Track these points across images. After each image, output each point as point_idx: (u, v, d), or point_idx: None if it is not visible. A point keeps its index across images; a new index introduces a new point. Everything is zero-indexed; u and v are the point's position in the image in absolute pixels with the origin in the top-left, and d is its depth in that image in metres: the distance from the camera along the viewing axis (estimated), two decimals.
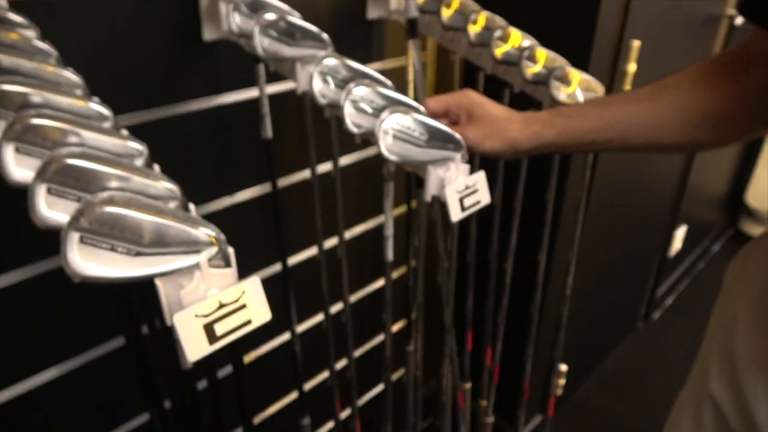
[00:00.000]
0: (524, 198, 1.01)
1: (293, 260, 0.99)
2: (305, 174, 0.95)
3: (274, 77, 0.82)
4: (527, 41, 0.81)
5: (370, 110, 0.57)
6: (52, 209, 0.38)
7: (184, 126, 0.79)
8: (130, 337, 0.57)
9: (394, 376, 1.32)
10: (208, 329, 0.38)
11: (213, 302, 0.39)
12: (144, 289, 0.40)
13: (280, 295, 0.90)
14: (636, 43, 1.14)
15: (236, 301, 0.40)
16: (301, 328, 1.07)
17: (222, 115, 0.82)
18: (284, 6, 0.70)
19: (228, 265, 0.40)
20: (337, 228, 0.85)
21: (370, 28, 1.00)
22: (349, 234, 1.09)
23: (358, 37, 0.99)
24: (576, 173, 1.16)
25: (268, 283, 0.42)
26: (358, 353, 1.23)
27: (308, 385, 1.15)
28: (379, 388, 1.31)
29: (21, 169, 0.39)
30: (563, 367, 1.56)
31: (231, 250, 0.40)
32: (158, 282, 0.38)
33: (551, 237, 1.10)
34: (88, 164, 0.38)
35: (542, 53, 0.79)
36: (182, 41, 0.75)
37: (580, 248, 1.08)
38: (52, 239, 0.37)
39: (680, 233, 2.00)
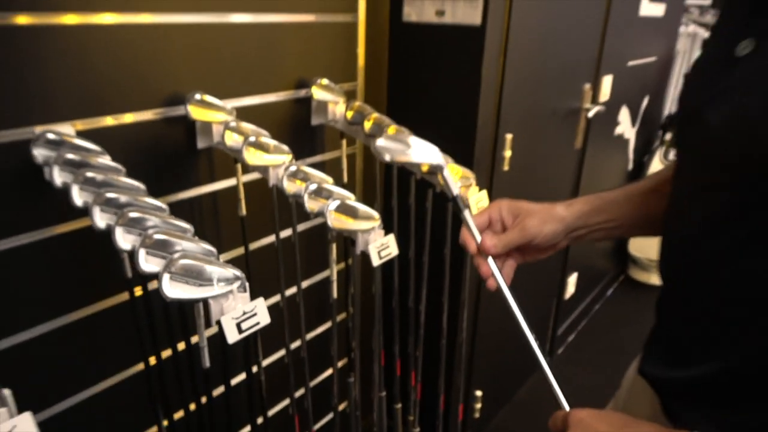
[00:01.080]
0: (430, 253, 1.36)
1: None
2: (271, 239, 1.27)
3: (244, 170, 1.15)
4: None
5: (320, 198, 0.91)
6: (148, 263, 0.69)
7: (185, 207, 1.10)
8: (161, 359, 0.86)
9: (342, 405, 1.60)
10: (238, 326, 0.70)
11: (239, 311, 0.70)
12: (186, 308, 0.71)
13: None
14: (509, 136, 1.56)
15: (252, 311, 0.71)
16: (266, 362, 1.35)
17: (216, 197, 1.15)
18: (256, 128, 1.04)
19: (245, 290, 0.72)
20: (296, 279, 1.17)
21: (314, 132, 1.36)
22: (305, 283, 1.40)
23: (306, 138, 1.35)
24: None
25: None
26: (313, 383, 1.51)
27: (271, 411, 1.41)
28: (330, 415, 1.59)
29: (148, 265, 0.70)
30: (478, 393, 1.89)
31: (246, 282, 0.72)
32: (210, 300, 0.69)
33: (452, 284, 1.45)
34: (168, 238, 0.70)
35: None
36: (185, 148, 1.08)
37: (487, 294, 1.44)
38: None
39: (572, 279, 2.43)
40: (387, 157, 0.61)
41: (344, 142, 1.36)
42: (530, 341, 0.65)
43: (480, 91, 1.40)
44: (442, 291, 1.40)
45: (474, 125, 1.43)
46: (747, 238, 0.49)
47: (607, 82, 2.11)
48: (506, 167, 1.59)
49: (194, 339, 0.84)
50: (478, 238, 0.68)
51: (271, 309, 1.29)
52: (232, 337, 0.68)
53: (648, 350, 0.68)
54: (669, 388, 0.62)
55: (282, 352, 1.38)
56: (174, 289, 0.67)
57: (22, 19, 0.82)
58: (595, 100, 2.05)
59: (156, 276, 0.68)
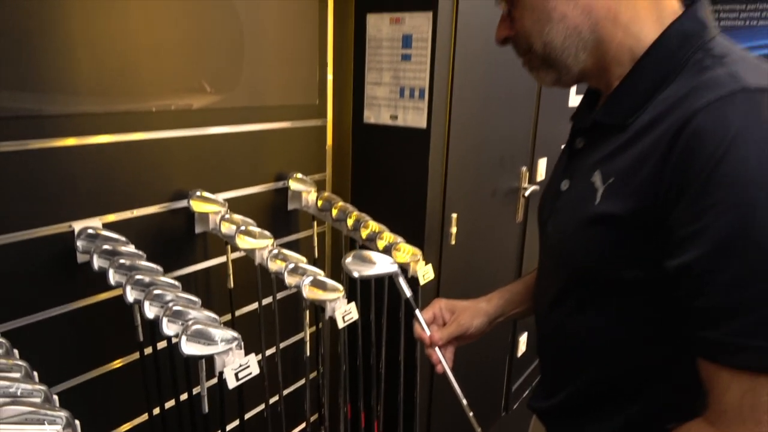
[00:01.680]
0: (388, 318, 1.61)
1: None
2: (254, 306, 1.50)
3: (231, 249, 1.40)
4: (380, 227, 1.47)
5: (297, 274, 1.16)
6: (168, 329, 0.92)
7: (186, 281, 1.33)
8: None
9: None
10: (236, 375, 0.93)
11: (236, 363, 0.93)
12: (190, 363, 0.93)
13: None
14: (455, 215, 1.85)
15: (246, 363, 0.94)
16: (247, 415, 1.55)
17: (209, 272, 1.38)
18: (244, 218, 1.30)
19: (241, 348, 0.95)
20: (276, 341, 1.39)
21: (290, 215, 1.63)
22: (282, 344, 1.62)
23: (283, 221, 1.61)
24: (425, 298, 1.79)
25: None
26: None
27: None
28: None
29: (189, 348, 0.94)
30: None
31: (242, 342, 0.95)
32: (216, 356, 0.92)
33: (407, 345, 1.69)
34: (183, 308, 0.94)
35: (387, 234, 1.44)
36: (185, 233, 1.32)
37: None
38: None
39: (523, 339, 2.68)
40: (355, 274, 0.87)
41: (315, 223, 1.62)
42: (468, 415, 0.89)
43: (427, 180, 1.69)
44: (399, 350, 1.63)
45: (423, 208, 1.72)
46: (572, 310, 0.76)
47: (542, 164, 2.46)
48: (453, 242, 1.87)
49: (195, 389, 1.06)
50: (428, 332, 0.92)
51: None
52: (231, 383, 0.91)
53: (534, 389, 0.93)
54: (547, 415, 0.87)
55: (261, 407, 1.57)
56: (189, 348, 0.90)
57: (69, 141, 1.08)
58: (532, 180, 2.38)
59: (170, 338, 0.91)
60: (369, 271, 0.89)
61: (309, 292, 1.14)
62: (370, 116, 1.77)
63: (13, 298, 1.04)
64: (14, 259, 1.04)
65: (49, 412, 0.72)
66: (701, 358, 0.60)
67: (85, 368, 1.18)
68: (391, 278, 0.89)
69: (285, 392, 1.67)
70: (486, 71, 1.88)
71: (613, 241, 0.67)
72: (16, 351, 0.83)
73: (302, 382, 1.71)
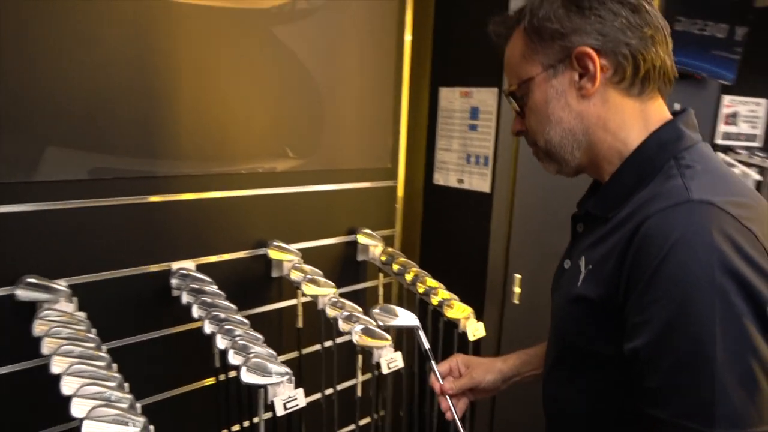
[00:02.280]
0: None
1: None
2: (316, 347, 1.66)
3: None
4: (437, 284, 1.58)
5: (350, 322, 1.31)
6: (233, 359, 1.10)
7: (261, 318, 1.52)
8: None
9: None
10: (285, 404, 1.08)
11: (285, 395, 1.09)
12: (252, 391, 1.10)
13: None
14: (518, 276, 1.92)
15: (294, 396, 1.09)
16: None
17: (282, 312, 1.57)
18: (313, 268, 1.48)
19: (291, 382, 1.10)
20: (333, 382, 1.54)
21: (359, 265, 1.79)
22: (346, 384, 1.76)
23: (352, 270, 1.78)
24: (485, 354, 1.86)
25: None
26: None
27: None
28: None
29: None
30: None
31: (293, 377, 1.11)
32: (269, 386, 1.08)
33: None
34: (247, 343, 1.11)
35: (442, 292, 1.55)
36: (263, 277, 1.52)
37: (502, 397, 1.72)
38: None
39: None
40: (380, 323, 1.01)
41: (381, 275, 1.77)
42: None
43: (489, 240, 1.79)
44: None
45: (485, 267, 1.81)
46: (563, 378, 0.84)
47: None
48: (516, 301, 1.93)
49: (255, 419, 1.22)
50: (441, 381, 1.02)
51: (312, 404, 1.65)
52: (280, 411, 1.07)
53: None
54: None
55: None
56: (248, 377, 1.07)
57: (175, 197, 1.33)
58: None
59: (237, 367, 1.08)
60: (392, 322, 1.02)
61: (359, 339, 1.28)
62: (439, 179, 1.91)
63: (119, 322, 1.28)
64: (124, 290, 1.28)
65: (132, 417, 0.91)
66: None
67: (168, 387, 1.39)
68: (445, 323, 1.01)
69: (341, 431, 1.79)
70: None
71: (589, 320, 0.76)
72: (115, 365, 1.05)
73: (354, 426, 1.82)
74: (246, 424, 1.32)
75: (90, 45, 1.16)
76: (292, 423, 1.18)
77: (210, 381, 1.42)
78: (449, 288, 1.65)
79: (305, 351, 1.64)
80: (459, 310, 1.51)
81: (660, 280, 0.65)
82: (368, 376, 1.61)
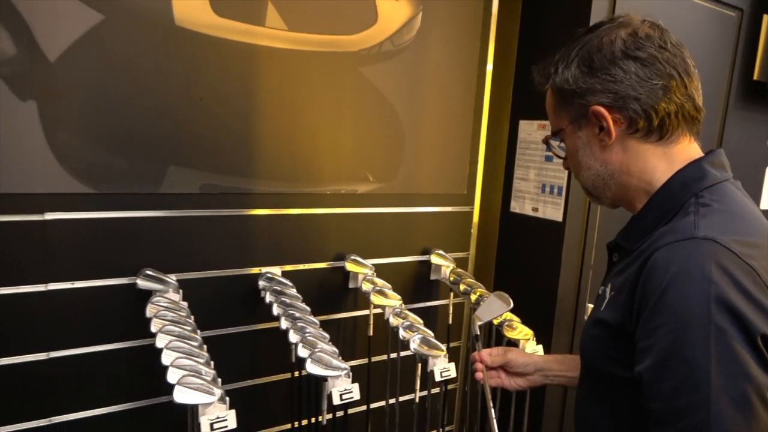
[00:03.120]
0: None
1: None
2: (383, 357, 1.80)
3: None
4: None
5: (410, 331, 1.44)
6: (301, 351, 1.27)
7: (335, 324, 1.70)
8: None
9: None
10: (341, 395, 1.23)
11: (342, 387, 1.23)
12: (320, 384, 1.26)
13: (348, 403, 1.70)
14: (590, 306, 1.93)
15: (350, 389, 1.24)
16: None
17: (356, 320, 1.74)
18: (383, 281, 1.62)
19: (349, 377, 1.25)
20: (396, 393, 1.66)
21: (431, 284, 1.91)
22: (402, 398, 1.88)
23: (425, 288, 1.90)
24: None
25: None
26: None
27: None
28: None
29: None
30: None
31: (350, 372, 1.26)
32: (329, 378, 1.24)
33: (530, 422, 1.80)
34: (315, 340, 1.28)
35: (506, 313, 1.63)
36: (340, 287, 1.70)
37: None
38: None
39: None
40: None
41: (452, 294, 1.88)
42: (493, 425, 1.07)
43: (560, 268, 1.84)
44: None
45: (555, 295, 1.86)
46: (586, 396, 0.91)
47: None
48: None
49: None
50: (480, 352, 1.15)
51: (377, 411, 1.78)
52: (336, 401, 1.22)
53: None
54: None
55: None
56: (312, 368, 1.23)
57: (261, 212, 1.55)
58: None
59: (303, 359, 1.25)
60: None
61: (416, 346, 1.40)
62: (515, 207, 1.99)
63: (214, 315, 1.50)
64: (220, 287, 1.51)
65: (213, 388, 1.11)
66: None
67: (248, 376, 1.59)
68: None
69: None
70: None
71: (607, 342, 0.84)
72: (205, 346, 1.26)
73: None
74: (312, 420, 1.49)
75: (206, 85, 1.41)
76: (348, 416, 1.32)
77: (285, 376, 1.61)
78: (520, 311, 1.71)
79: (374, 359, 1.78)
80: (520, 332, 1.58)
81: (661, 308, 0.72)
82: (437, 390, 1.72)
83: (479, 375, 1.13)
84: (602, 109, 0.83)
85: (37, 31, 1.21)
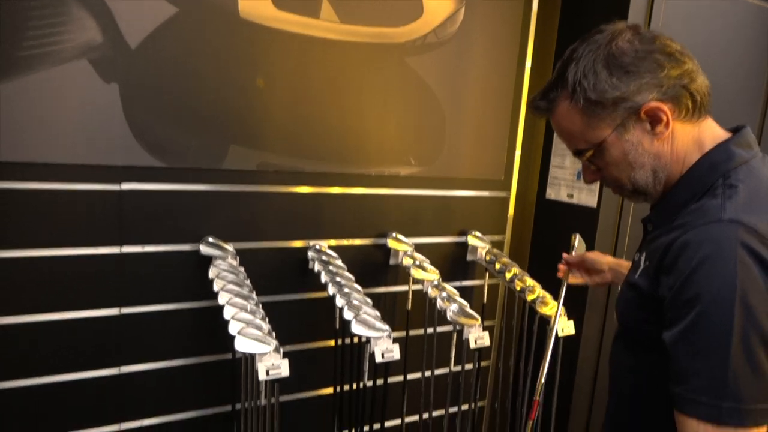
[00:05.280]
0: (532, 364, 1.84)
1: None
2: (420, 331, 1.90)
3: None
4: (533, 282, 1.75)
5: (447, 301, 1.54)
6: (346, 314, 1.39)
7: (376, 298, 1.81)
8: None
9: None
10: (383, 354, 1.34)
11: (384, 347, 1.35)
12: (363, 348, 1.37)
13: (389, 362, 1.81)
14: None
15: (391, 348, 1.35)
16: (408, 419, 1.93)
17: (396, 295, 1.85)
18: (423, 257, 1.73)
19: (390, 337, 1.36)
20: (432, 364, 1.77)
21: (467, 265, 2.01)
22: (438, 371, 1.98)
23: (461, 268, 2.00)
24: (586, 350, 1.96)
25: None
26: None
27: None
28: None
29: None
30: None
31: (392, 334, 1.37)
32: (372, 339, 1.35)
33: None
34: (359, 304, 1.40)
35: (539, 290, 1.71)
36: (382, 263, 1.81)
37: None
38: None
39: None
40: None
41: (487, 274, 1.97)
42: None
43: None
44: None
45: None
46: (620, 349, 1.00)
47: None
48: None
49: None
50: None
51: (413, 382, 1.88)
52: (378, 359, 1.33)
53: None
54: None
55: (415, 417, 1.94)
56: (357, 328, 1.35)
57: (310, 189, 1.68)
58: None
59: (348, 321, 1.37)
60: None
61: (453, 316, 1.50)
62: (551, 193, 2.07)
63: (266, 282, 1.64)
64: (273, 257, 1.65)
65: (269, 339, 1.24)
66: (674, 407, 0.83)
67: (297, 341, 1.72)
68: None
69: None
70: None
71: (639, 303, 0.92)
72: (260, 305, 1.40)
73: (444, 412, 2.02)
74: (354, 386, 1.61)
75: (266, 73, 1.55)
76: (387, 383, 1.44)
77: (330, 343, 1.73)
78: (554, 293, 1.79)
79: (412, 333, 1.89)
80: (552, 307, 1.66)
81: (689, 286, 0.80)
82: (470, 367, 1.81)
83: (563, 270, 1.40)
84: (658, 104, 0.86)
85: (121, 23, 1.37)
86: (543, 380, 1.30)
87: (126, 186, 1.44)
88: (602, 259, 1.36)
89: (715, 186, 0.86)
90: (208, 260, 1.51)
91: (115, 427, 1.53)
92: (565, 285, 1.39)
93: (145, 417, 1.57)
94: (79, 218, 1.41)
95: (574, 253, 1.47)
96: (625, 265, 1.32)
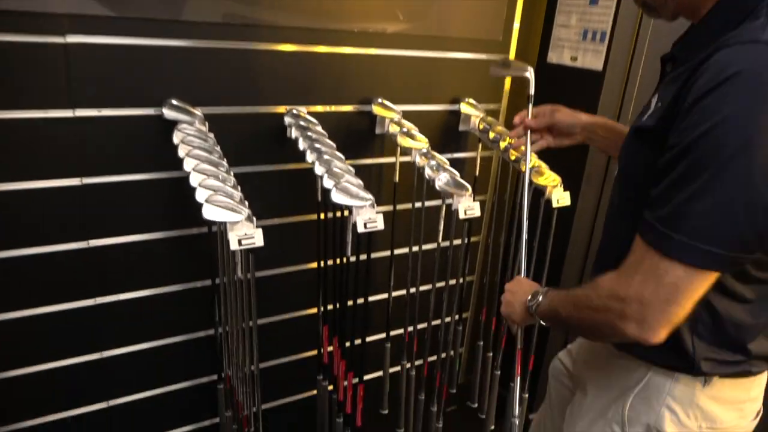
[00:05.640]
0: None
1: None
2: (408, 206, 1.81)
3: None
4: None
5: (436, 171, 1.42)
6: (327, 182, 1.28)
7: (361, 170, 1.69)
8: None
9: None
10: (367, 224, 1.25)
11: (367, 216, 1.25)
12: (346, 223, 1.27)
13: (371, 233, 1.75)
14: None
15: (374, 218, 1.26)
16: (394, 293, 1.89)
17: (382, 167, 1.73)
18: (411, 124, 1.59)
19: (373, 207, 1.26)
20: (419, 240, 1.69)
21: (460, 135, 1.87)
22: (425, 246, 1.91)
23: (453, 139, 1.87)
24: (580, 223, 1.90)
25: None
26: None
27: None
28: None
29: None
30: None
31: (375, 203, 1.26)
32: (354, 207, 1.25)
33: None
34: (340, 171, 1.28)
35: (534, 159, 1.60)
36: (366, 132, 1.67)
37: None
38: None
39: None
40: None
41: (480, 145, 1.85)
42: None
43: None
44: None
45: (587, 148, 1.80)
46: (615, 211, 0.91)
47: None
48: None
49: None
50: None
51: (402, 257, 1.82)
52: (360, 229, 1.24)
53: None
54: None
55: (403, 292, 1.90)
56: (337, 197, 1.24)
57: (287, 47, 1.49)
58: None
59: (328, 190, 1.26)
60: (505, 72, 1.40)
61: (443, 185, 1.39)
62: (553, 57, 1.89)
63: (240, 152, 1.50)
64: (244, 126, 1.50)
65: (241, 207, 1.13)
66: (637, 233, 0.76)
67: (274, 215, 1.63)
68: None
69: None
70: None
71: (641, 151, 0.82)
72: (232, 172, 1.27)
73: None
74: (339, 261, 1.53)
75: None
76: (370, 258, 1.36)
77: (311, 216, 1.64)
78: (550, 163, 1.67)
79: (400, 207, 1.79)
80: (547, 177, 1.55)
81: (705, 104, 0.68)
82: (458, 242, 1.74)
83: (520, 142, 1.30)
84: None
85: None
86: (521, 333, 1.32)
87: (71, 38, 1.26)
88: (575, 120, 1.26)
89: (760, 8, 0.73)
90: (174, 125, 1.36)
91: (90, 301, 1.47)
92: (529, 149, 1.31)
93: (122, 292, 1.50)
94: (22, 76, 1.24)
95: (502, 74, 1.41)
96: (602, 124, 1.24)
